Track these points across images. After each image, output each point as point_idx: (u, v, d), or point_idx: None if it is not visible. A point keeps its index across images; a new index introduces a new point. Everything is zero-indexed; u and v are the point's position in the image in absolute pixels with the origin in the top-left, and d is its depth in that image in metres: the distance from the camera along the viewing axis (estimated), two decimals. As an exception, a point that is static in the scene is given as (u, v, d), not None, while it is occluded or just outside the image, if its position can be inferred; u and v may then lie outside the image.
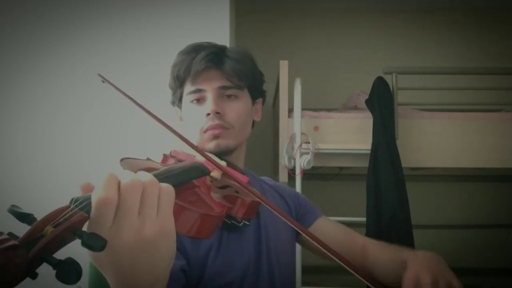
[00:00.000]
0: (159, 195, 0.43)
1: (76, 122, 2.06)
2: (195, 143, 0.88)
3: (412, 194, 2.10)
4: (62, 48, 2.09)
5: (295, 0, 3.23)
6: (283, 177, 2.15)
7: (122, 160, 0.67)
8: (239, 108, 0.93)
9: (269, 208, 0.59)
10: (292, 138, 2.13)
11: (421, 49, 3.26)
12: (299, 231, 0.58)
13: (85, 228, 0.40)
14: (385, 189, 2.03)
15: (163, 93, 1.84)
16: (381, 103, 2.13)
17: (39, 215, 0.39)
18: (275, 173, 2.43)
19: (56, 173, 2.01)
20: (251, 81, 0.96)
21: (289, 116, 2.22)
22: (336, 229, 1.02)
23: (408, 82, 2.36)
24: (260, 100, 1.03)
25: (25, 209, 0.41)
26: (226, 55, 0.93)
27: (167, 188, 0.45)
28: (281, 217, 0.58)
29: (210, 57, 0.90)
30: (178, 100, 0.98)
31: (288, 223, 0.58)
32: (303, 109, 2.17)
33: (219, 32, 2.08)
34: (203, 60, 0.89)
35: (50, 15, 2.11)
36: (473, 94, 2.63)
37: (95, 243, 0.38)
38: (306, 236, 0.58)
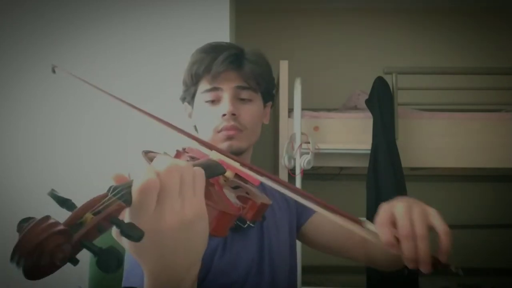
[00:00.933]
0: (194, 177, 0.46)
1: (76, 122, 2.06)
2: None
3: (412, 194, 2.09)
4: (62, 48, 2.09)
5: (295, 0, 3.23)
6: (283, 177, 2.15)
7: (143, 152, 0.68)
8: (253, 110, 0.94)
9: (281, 190, 0.63)
10: (292, 138, 2.13)
11: (421, 49, 3.26)
12: (311, 203, 0.63)
13: (121, 217, 0.41)
14: (385, 189, 2.02)
15: (163, 93, 1.85)
16: (381, 103, 2.14)
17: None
18: (275, 173, 2.42)
19: (56, 173, 2.01)
20: (266, 84, 0.97)
21: (289, 116, 2.22)
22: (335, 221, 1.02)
23: (408, 82, 2.36)
24: (269, 103, 1.04)
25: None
26: (245, 58, 0.93)
27: (199, 170, 0.48)
28: (293, 195, 0.63)
29: (231, 59, 0.91)
30: (190, 97, 0.97)
31: (301, 199, 0.62)
32: (303, 109, 2.16)
33: (219, 32, 2.08)
34: (224, 61, 0.90)
35: (50, 15, 2.11)
36: (473, 94, 2.62)
37: (134, 233, 0.38)
38: (319, 208, 0.63)
